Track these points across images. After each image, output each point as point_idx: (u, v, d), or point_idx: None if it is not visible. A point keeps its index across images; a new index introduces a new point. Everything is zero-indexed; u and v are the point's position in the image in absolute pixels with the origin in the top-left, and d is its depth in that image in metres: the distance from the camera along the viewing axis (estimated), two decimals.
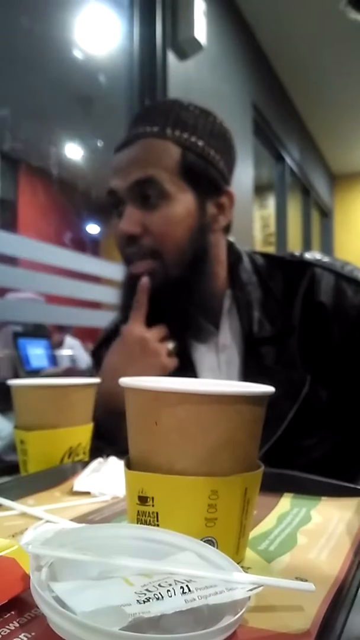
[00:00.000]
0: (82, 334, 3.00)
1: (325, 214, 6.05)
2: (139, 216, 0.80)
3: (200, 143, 0.81)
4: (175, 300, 0.82)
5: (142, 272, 0.82)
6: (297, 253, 0.89)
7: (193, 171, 0.80)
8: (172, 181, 0.80)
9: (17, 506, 0.45)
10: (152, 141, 0.80)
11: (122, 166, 0.82)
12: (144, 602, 0.24)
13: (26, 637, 0.25)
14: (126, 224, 0.80)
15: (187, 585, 0.25)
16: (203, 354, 0.87)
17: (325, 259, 0.86)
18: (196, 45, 2.31)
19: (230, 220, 0.87)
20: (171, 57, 2.24)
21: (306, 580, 0.31)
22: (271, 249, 4.15)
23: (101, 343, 0.98)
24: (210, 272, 0.85)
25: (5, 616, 0.26)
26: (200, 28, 2.28)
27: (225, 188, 0.85)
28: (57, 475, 0.55)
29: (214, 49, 2.62)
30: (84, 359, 2.41)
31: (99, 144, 2.42)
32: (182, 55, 2.32)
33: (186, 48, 2.30)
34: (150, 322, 0.83)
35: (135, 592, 0.24)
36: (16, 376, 1.75)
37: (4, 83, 1.97)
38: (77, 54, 2.25)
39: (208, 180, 0.82)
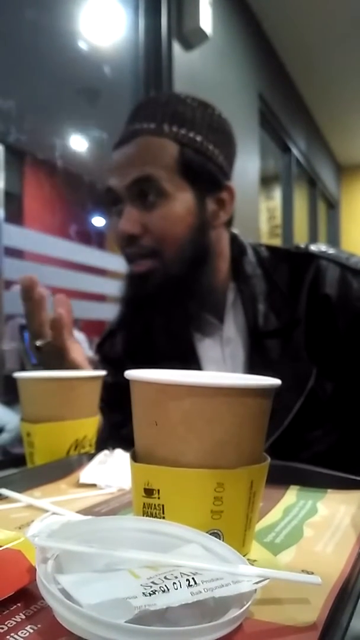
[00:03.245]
0: (88, 328, 3.00)
1: (332, 205, 6.02)
2: (138, 216, 0.79)
3: (199, 138, 0.79)
4: (175, 298, 0.81)
5: (143, 272, 0.81)
6: (302, 245, 0.88)
7: (192, 168, 0.79)
8: (171, 179, 0.78)
9: (24, 498, 0.45)
10: (149, 139, 0.79)
11: (120, 165, 0.80)
12: (150, 594, 0.23)
13: (32, 629, 0.25)
14: (126, 224, 0.79)
15: (193, 578, 0.25)
16: (208, 348, 0.87)
17: (331, 251, 0.85)
18: (202, 36, 2.29)
19: (232, 215, 0.86)
20: (177, 48, 2.23)
21: (312, 573, 0.31)
22: (277, 241, 4.14)
23: (105, 338, 0.98)
24: (212, 267, 0.84)
25: (12, 608, 0.26)
26: (206, 18, 2.26)
27: (225, 183, 0.83)
28: (63, 468, 0.55)
29: (219, 40, 2.60)
30: (87, 354, 2.41)
31: (104, 135, 2.41)
32: (188, 45, 2.30)
33: (192, 38, 2.29)
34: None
35: (141, 585, 0.24)
36: (22, 369, 1.76)
37: (9, 75, 1.97)
38: (82, 45, 2.24)
39: (207, 176, 0.80)
